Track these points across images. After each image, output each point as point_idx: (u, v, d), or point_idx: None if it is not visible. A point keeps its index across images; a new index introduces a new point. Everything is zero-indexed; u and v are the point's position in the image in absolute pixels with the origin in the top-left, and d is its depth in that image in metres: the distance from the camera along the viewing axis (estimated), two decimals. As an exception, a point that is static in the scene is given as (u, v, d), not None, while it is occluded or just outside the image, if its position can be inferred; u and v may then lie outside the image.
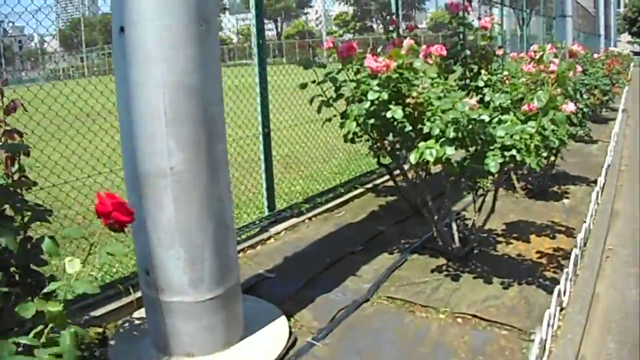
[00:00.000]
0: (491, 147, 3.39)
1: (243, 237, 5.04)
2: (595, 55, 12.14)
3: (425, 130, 3.45)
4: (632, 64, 23.68)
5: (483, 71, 6.04)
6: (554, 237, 4.80)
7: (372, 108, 3.63)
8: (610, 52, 16.63)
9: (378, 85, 3.63)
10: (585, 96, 8.95)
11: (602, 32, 31.63)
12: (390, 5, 7.79)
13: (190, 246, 2.97)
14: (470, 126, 3.35)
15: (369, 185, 6.64)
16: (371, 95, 3.58)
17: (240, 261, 4.55)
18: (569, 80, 3.60)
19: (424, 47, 4.09)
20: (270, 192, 5.35)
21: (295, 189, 6.37)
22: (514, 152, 3.34)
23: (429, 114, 3.52)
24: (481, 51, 6.06)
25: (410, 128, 3.62)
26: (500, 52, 6.19)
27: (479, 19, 6.18)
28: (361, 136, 3.99)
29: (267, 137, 5.19)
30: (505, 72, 5.83)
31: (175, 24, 2.74)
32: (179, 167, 2.84)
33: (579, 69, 6.16)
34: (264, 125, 5.15)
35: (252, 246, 4.92)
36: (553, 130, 3.48)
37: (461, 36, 5.96)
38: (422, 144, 3.40)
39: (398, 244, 4.72)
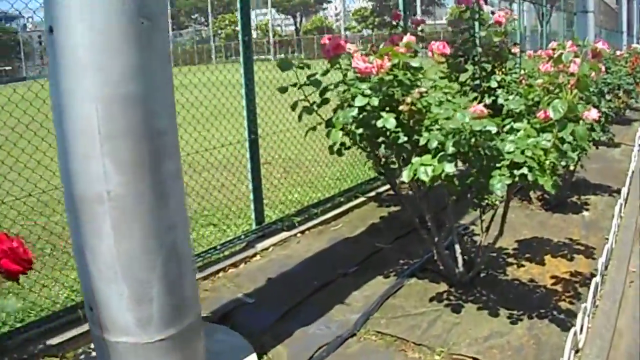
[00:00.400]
0: (498, 165, 2.89)
1: (226, 253, 4.64)
2: (618, 53, 11.53)
3: (422, 142, 2.96)
4: (656, 61, 22.90)
5: (497, 70, 5.56)
6: (571, 259, 4.28)
7: (360, 116, 3.15)
8: (634, 49, 15.96)
9: (370, 89, 3.15)
10: (608, 97, 8.41)
11: (624, 28, 30.80)
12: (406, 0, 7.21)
13: (135, 282, 2.51)
14: (473, 139, 2.85)
15: (372, 194, 6.15)
16: (359, 101, 3.10)
17: (220, 282, 4.17)
18: (592, 82, 3.09)
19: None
20: (258, 203, 4.88)
21: (293, 197, 5.90)
22: (524, 170, 2.83)
23: (427, 122, 3.04)
24: (494, 48, 5.55)
25: (405, 139, 3.13)
26: (516, 49, 5.67)
27: (492, 13, 5.67)
28: (349, 147, 3.50)
29: (253, 143, 4.72)
30: (522, 72, 5.34)
31: (108, 24, 2.25)
32: (117, 191, 2.37)
33: (603, 69, 5.63)
34: (250, 130, 4.68)
35: (235, 264, 4.49)
36: (571, 144, 2.97)
37: (472, 32, 5.47)
38: (415, 160, 2.93)
39: (396, 265, 4.24)
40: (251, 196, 4.86)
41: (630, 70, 11.09)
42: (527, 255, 4.34)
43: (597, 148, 5.45)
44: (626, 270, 4.18)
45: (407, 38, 3.53)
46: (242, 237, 4.78)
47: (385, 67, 3.19)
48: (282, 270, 4.31)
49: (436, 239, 3.61)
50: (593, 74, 3.18)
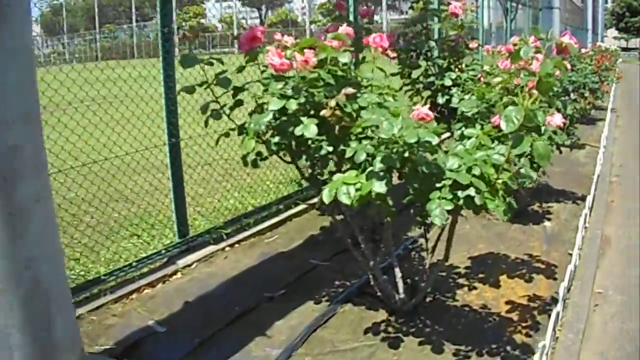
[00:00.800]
0: (438, 184, 2.36)
1: (145, 270, 4.07)
2: (583, 50, 11.16)
3: (348, 154, 2.43)
4: (619, 60, 22.78)
5: (453, 67, 5.06)
6: (530, 279, 3.79)
7: (277, 121, 2.61)
8: (598, 48, 15.68)
9: (293, 89, 2.60)
10: (573, 96, 7.99)
11: (589, 26, 30.77)
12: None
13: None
14: (407, 153, 2.31)
15: (315, 200, 5.56)
16: (274, 104, 2.55)
17: (131, 306, 3.62)
18: (556, 82, 2.58)
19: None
20: (181, 214, 4.31)
21: (229, 203, 5.32)
22: (471, 191, 2.31)
23: (358, 130, 2.50)
24: (449, 43, 5.05)
25: (330, 149, 2.60)
26: (474, 44, 5.17)
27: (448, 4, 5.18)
28: (266, 158, 2.94)
29: (174, 148, 4.14)
30: (481, 68, 4.85)
31: None
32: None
33: (569, 66, 5.16)
34: (171, 133, 4.09)
35: (152, 284, 3.93)
36: (531, 160, 2.46)
37: (425, 24, 4.96)
38: (337, 177, 2.39)
39: (331, 286, 3.70)
40: (173, 206, 4.29)
41: (596, 68, 10.74)
42: (481, 276, 3.82)
43: (560, 152, 4.96)
44: (591, 291, 3.72)
45: (343, 29, 2.98)
46: (163, 252, 4.22)
47: (311, 63, 2.65)
48: (202, 291, 3.75)
49: (371, 263, 3.07)
50: (558, 72, 2.68)
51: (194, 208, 5.01)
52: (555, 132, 3.67)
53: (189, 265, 4.20)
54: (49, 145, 2.90)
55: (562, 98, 7.74)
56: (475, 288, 3.66)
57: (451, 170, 2.33)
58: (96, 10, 61.13)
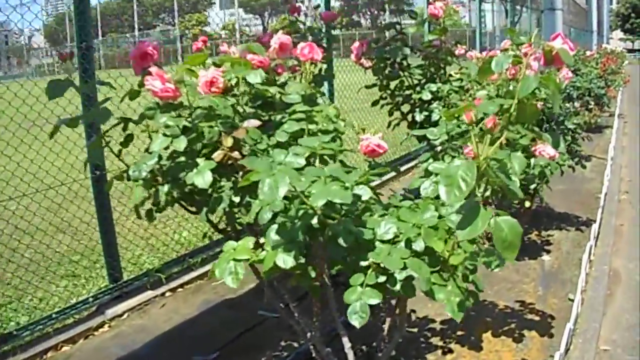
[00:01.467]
0: (363, 262, 1.69)
1: (69, 322, 3.45)
2: (588, 53, 10.47)
3: (251, 213, 1.78)
4: (625, 62, 22.05)
5: (437, 77, 4.39)
6: (519, 338, 3.08)
7: (165, 166, 1.94)
8: (604, 50, 14.98)
9: (192, 121, 1.93)
10: (576, 104, 7.32)
11: (594, 27, 30.05)
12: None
13: None
14: (315, 219, 1.64)
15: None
16: (156, 144, 1.88)
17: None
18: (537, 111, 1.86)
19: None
20: (111, 257, 3.66)
21: (182, 236, 4.65)
22: (405, 273, 1.63)
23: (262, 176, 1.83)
24: (429, 48, 4.38)
25: (237, 199, 1.92)
26: (461, 50, 4.48)
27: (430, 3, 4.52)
28: (163, 208, 2.25)
29: (98, 183, 3.47)
30: (468, 77, 4.18)
31: None
32: None
33: (569, 75, 4.46)
34: (95, 165, 3.42)
35: (74, 339, 3.36)
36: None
37: (399, 27, 4.28)
38: (228, 245, 1.75)
39: (275, 348, 3.03)
40: (103, 246, 3.65)
41: (602, 71, 10.07)
42: (460, 333, 3.11)
43: (562, 173, 4.24)
44: (595, 350, 3.04)
45: (278, 37, 2.30)
46: (91, 300, 3.57)
47: (218, 85, 1.98)
48: (125, 352, 3.16)
49: (309, 335, 2.38)
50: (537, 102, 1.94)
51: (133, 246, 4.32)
52: (547, 165, 3.00)
53: (120, 316, 3.58)
54: None
55: (565, 105, 7.09)
56: (450, 351, 2.96)
57: (383, 242, 1.66)
58: (99, 18, 60.85)
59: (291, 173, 1.47)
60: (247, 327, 3.28)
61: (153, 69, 1.90)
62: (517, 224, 1.49)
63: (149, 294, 3.76)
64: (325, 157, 1.76)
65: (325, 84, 5.14)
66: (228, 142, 1.78)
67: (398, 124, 4.46)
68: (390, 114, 4.45)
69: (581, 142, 5.87)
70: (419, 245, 1.65)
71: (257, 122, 1.86)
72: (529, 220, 4.72)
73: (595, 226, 4.54)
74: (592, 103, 8.49)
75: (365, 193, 1.62)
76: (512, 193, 1.54)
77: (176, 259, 4.08)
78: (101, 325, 3.46)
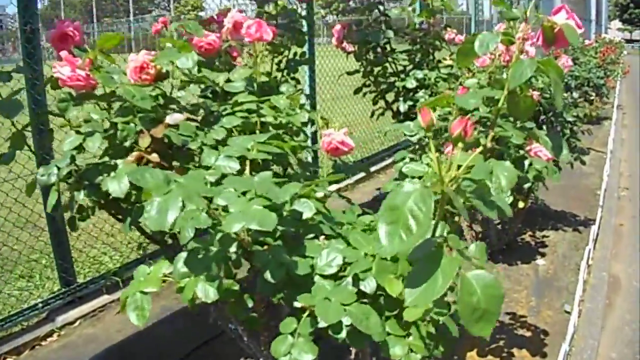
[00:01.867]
0: (297, 304, 1.35)
1: (16, 330, 3.10)
2: (587, 42, 10.11)
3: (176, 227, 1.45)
4: (624, 52, 21.66)
5: (425, 63, 4.05)
6: (510, 357, 2.78)
7: (81, 168, 1.60)
8: (602, 40, 14.60)
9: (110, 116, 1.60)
10: (575, 94, 6.97)
11: (593, 16, 29.62)
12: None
13: None
14: (234, 247, 1.31)
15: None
16: (68, 143, 1.55)
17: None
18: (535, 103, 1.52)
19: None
20: (64, 256, 3.32)
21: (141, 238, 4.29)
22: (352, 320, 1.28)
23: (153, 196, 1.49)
24: (416, 32, 4.04)
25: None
26: (451, 35, 4.14)
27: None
28: (88, 216, 1.92)
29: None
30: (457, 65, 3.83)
31: None
32: None
33: (568, 62, 4.12)
34: (43, 159, 3.05)
35: (18, 349, 3.01)
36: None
37: (382, 9, 3.94)
38: (140, 271, 1.42)
39: (235, 365, 2.71)
40: (53, 246, 3.31)
41: (601, 61, 9.73)
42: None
43: (559, 169, 3.89)
44: (594, 370, 2.72)
45: (231, 16, 1.96)
46: (41, 305, 3.23)
47: (148, 71, 1.64)
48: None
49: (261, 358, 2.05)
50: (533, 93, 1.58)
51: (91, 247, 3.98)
52: (546, 167, 2.67)
53: (71, 323, 3.24)
54: None
55: (563, 95, 6.76)
56: (434, 373, 2.64)
57: (323, 276, 1.31)
58: (94, 3, 60.19)
59: (198, 189, 1.13)
60: (204, 340, 2.94)
61: (63, 53, 1.55)
62: (497, 284, 1.07)
63: (105, 298, 3.43)
64: (259, 160, 1.41)
65: (306, 69, 4.78)
66: (144, 142, 1.43)
67: (383, 114, 4.14)
68: (375, 102, 4.13)
69: (580, 136, 5.54)
70: (369, 285, 1.30)
71: (181, 117, 1.52)
72: (524, 218, 4.37)
73: (594, 227, 4.20)
74: (593, 94, 8.14)
75: (307, 209, 1.28)
76: (494, 215, 1.20)
77: (136, 260, 3.73)
78: (50, 334, 3.13)
